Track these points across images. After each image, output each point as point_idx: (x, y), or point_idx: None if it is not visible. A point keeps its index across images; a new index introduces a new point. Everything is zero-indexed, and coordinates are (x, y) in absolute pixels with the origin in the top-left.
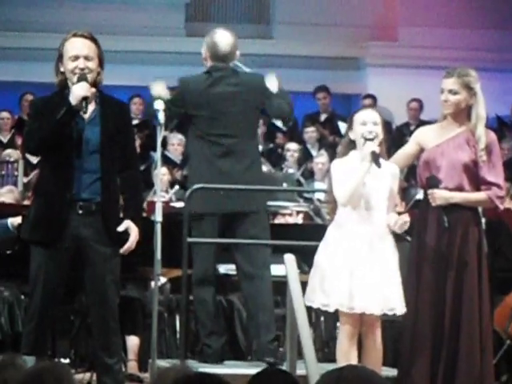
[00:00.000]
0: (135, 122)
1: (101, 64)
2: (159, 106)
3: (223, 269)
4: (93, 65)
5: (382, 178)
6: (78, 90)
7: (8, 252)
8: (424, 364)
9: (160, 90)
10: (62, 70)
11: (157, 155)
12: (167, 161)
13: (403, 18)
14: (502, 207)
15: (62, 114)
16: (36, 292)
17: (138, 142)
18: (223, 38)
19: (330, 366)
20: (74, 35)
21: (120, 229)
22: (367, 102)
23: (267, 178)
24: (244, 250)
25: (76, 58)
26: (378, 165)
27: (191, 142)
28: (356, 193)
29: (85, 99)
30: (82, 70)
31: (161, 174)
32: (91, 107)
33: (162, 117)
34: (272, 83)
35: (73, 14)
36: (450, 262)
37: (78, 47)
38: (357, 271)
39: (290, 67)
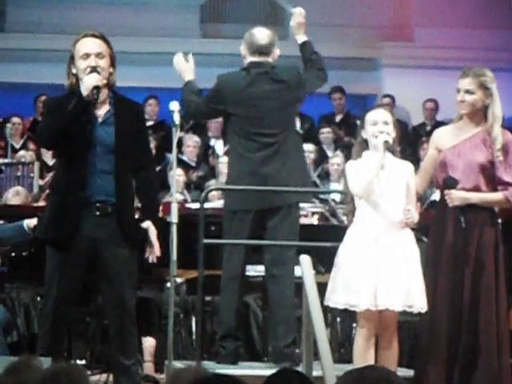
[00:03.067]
0: (150, 123)
1: (112, 63)
2: (174, 107)
3: None
4: (104, 63)
5: (398, 174)
6: (90, 80)
7: (24, 254)
8: (440, 364)
9: (181, 63)
10: (73, 71)
11: (172, 156)
12: (182, 162)
13: (419, 18)
14: None
15: (74, 105)
16: (51, 293)
17: (153, 144)
18: (261, 30)
19: (347, 367)
20: (85, 35)
21: (144, 225)
22: (385, 101)
23: (306, 175)
24: (270, 248)
25: (87, 56)
26: (392, 152)
27: (231, 140)
28: (371, 183)
29: (96, 88)
30: (94, 67)
31: (176, 175)
32: (105, 108)
33: (177, 118)
34: (296, 19)
35: (86, 15)
36: (466, 262)
37: (89, 46)
38: (379, 268)
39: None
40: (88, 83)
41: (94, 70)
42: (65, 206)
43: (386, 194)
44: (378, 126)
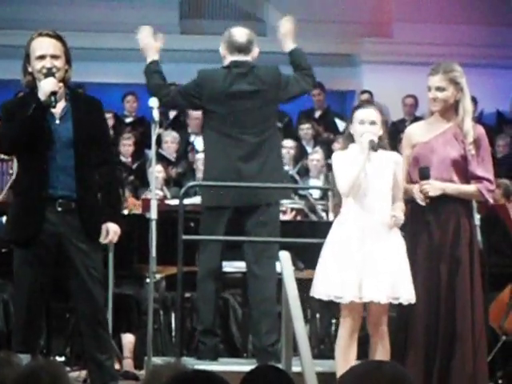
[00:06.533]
0: (129, 119)
1: (68, 61)
2: (153, 103)
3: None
4: (60, 63)
5: (385, 167)
6: (46, 85)
7: (3, 250)
8: (418, 361)
9: (147, 40)
10: (29, 70)
11: (151, 153)
12: (161, 158)
13: (397, 14)
14: (491, 201)
15: (33, 111)
16: (20, 291)
17: (132, 140)
18: (239, 29)
19: (326, 363)
20: (40, 35)
21: (101, 239)
22: (364, 97)
23: (284, 175)
24: (251, 246)
25: (43, 57)
26: (375, 150)
27: (207, 136)
28: (357, 182)
29: (53, 94)
30: (50, 69)
31: (156, 172)
32: (62, 104)
33: (156, 114)
34: (284, 27)
35: (64, 11)
36: (442, 257)
37: (44, 47)
38: (364, 261)
39: (284, 64)
40: (46, 89)
41: (49, 71)
42: (29, 205)
43: (371, 190)
44: (365, 125)
